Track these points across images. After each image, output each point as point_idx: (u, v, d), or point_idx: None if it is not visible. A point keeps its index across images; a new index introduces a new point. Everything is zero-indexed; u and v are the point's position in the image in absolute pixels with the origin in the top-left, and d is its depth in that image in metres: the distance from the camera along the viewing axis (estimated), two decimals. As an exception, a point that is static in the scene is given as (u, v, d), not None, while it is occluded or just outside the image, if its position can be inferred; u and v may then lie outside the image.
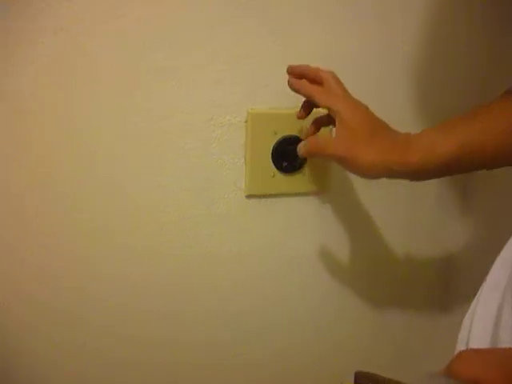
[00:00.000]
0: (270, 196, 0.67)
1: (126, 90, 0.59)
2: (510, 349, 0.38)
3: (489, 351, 0.39)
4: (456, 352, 0.37)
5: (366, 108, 0.53)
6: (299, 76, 0.55)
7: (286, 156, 0.65)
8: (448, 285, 0.81)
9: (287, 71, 0.57)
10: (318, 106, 0.56)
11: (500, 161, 0.49)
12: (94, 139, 0.59)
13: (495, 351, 0.39)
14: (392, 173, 0.50)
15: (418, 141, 0.50)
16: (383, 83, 0.68)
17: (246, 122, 0.64)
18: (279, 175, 0.66)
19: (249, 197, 0.66)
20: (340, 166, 0.52)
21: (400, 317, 0.80)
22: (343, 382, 0.43)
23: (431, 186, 0.73)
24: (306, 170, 0.68)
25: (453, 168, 0.49)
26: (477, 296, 0.45)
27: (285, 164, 0.66)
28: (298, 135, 0.65)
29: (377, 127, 0.52)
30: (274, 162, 0.65)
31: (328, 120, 0.57)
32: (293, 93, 0.57)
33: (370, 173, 0.50)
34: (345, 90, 0.54)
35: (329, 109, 0.53)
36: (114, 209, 0.62)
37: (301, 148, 0.57)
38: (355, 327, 0.78)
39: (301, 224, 0.70)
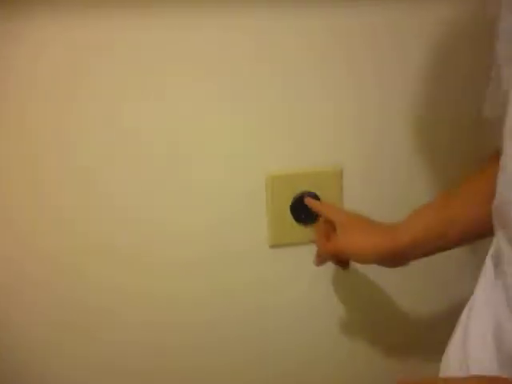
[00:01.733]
0: (291, 245, 0.77)
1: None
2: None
3: None
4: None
5: (358, 215, 0.69)
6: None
7: (304, 209, 0.76)
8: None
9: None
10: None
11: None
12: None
13: None
14: (382, 258, 0.63)
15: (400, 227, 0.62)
16: (382, 139, 0.78)
17: (266, 182, 0.75)
18: (298, 226, 0.77)
19: (272, 247, 0.76)
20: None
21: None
22: None
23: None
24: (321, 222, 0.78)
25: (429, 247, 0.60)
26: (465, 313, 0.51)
27: (303, 216, 0.76)
28: (313, 191, 0.76)
29: (368, 225, 0.66)
30: (293, 214, 0.76)
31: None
32: (307, 154, 0.69)
33: (364, 260, 0.65)
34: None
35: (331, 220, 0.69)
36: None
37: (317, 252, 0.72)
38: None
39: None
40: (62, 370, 0.75)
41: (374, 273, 0.80)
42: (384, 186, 0.80)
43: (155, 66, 0.68)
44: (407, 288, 0.83)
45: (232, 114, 0.72)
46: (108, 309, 0.74)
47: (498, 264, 0.46)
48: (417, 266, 0.64)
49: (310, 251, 0.74)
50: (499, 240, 0.46)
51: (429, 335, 0.84)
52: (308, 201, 0.75)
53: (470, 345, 0.47)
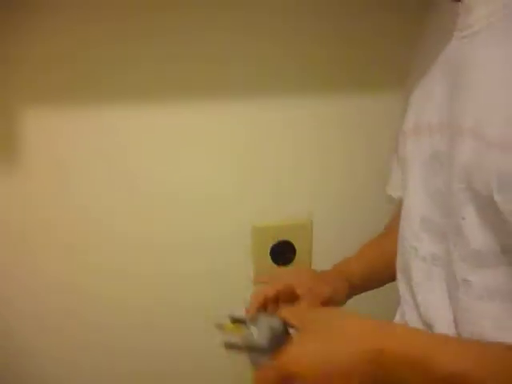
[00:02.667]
0: (270, 282, 0.96)
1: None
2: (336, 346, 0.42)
3: (314, 351, 0.43)
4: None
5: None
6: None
7: (281, 253, 0.96)
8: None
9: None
10: None
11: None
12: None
13: (321, 351, 0.42)
14: None
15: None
16: (347, 199, 0.99)
17: (251, 231, 0.95)
18: (276, 267, 0.96)
19: (256, 283, 0.95)
20: None
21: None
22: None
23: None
24: (295, 263, 0.97)
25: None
26: None
27: (280, 259, 0.96)
28: (288, 239, 0.96)
29: None
30: (272, 257, 0.96)
31: None
32: (283, 209, 0.90)
33: None
34: None
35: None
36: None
37: None
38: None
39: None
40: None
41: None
42: (349, 235, 0.99)
43: (168, 140, 0.89)
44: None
45: (225, 179, 0.93)
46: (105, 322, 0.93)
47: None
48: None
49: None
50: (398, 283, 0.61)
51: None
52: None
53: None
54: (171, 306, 0.95)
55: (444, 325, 0.51)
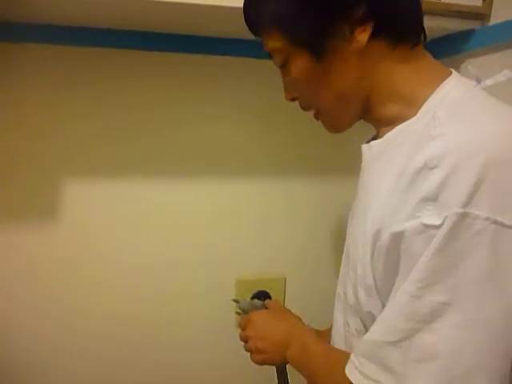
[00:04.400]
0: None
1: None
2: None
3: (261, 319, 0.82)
4: None
5: None
6: None
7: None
8: None
9: None
10: None
11: None
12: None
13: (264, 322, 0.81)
14: None
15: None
16: (316, 259, 1.22)
17: (235, 283, 1.17)
18: (255, 314, 1.17)
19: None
20: None
21: None
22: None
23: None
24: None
25: None
26: None
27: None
28: (266, 290, 1.18)
29: None
30: (252, 305, 1.17)
31: None
32: (262, 267, 1.13)
33: None
34: None
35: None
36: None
37: None
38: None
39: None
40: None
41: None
42: (316, 286, 1.21)
43: (171, 213, 1.14)
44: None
45: (216, 244, 1.16)
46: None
47: None
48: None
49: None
50: None
51: None
52: None
53: None
54: (167, 342, 1.14)
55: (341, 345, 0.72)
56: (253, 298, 1.17)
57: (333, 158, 1.21)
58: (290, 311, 0.85)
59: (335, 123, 0.69)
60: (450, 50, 0.93)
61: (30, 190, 1.03)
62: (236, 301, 0.94)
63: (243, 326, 0.84)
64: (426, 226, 0.50)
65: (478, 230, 0.48)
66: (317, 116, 0.69)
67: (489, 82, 0.60)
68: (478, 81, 0.61)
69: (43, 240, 1.05)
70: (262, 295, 1.17)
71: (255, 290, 1.18)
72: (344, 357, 0.61)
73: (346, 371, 0.58)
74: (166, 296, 1.14)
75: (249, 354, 0.82)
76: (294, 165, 1.21)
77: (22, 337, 1.05)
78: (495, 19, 0.87)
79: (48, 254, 1.06)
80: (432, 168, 0.50)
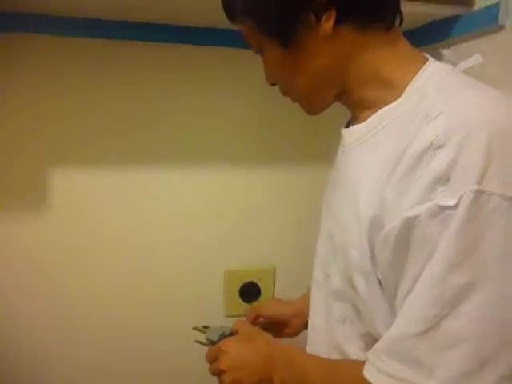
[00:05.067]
0: (239, 316, 1.16)
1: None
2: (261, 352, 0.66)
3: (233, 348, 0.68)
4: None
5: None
6: None
7: (248, 293, 1.17)
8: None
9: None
10: None
11: None
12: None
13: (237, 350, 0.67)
14: None
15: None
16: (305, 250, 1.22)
17: (224, 274, 1.17)
18: (244, 304, 1.17)
19: (226, 316, 1.16)
20: None
21: None
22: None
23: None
24: (261, 300, 1.18)
25: None
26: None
27: (247, 297, 1.17)
28: (255, 281, 1.17)
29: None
30: (240, 296, 1.17)
31: None
32: (251, 256, 1.13)
33: None
34: None
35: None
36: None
37: None
38: None
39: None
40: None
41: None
42: (306, 277, 1.19)
43: (162, 200, 1.14)
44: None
45: (204, 234, 1.16)
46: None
47: None
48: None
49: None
50: None
51: None
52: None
53: None
54: (158, 330, 1.14)
55: (321, 336, 0.71)
56: (241, 290, 1.17)
57: (324, 146, 1.20)
58: (260, 330, 0.80)
59: (309, 107, 0.70)
60: (434, 37, 0.92)
61: (25, 180, 1.04)
62: (199, 329, 0.83)
63: (212, 359, 0.72)
64: (441, 208, 0.49)
65: (494, 207, 0.48)
66: (294, 99, 0.70)
67: (462, 65, 0.60)
68: (454, 64, 0.61)
69: (37, 229, 1.06)
70: (251, 288, 1.17)
71: (244, 281, 1.18)
72: (347, 362, 0.61)
73: (366, 374, 0.55)
74: (154, 284, 1.14)
75: None
76: (284, 154, 1.20)
77: (20, 325, 1.06)
78: (479, 5, 0.85)
79: (42, 242, 1.06)
80: (438, 147, 0.49)
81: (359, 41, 0.60)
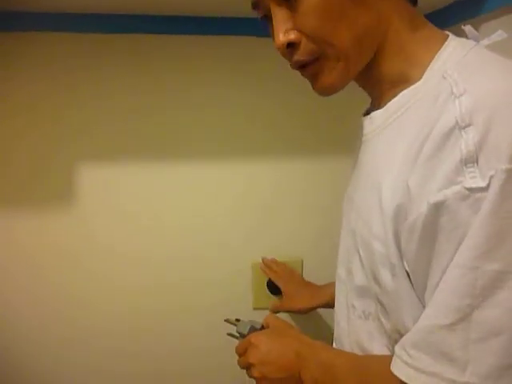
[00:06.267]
0: (266, 308, 1.15)
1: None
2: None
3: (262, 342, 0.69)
4: None
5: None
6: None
7: (276, 285, 1.15)
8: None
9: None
10: None
11: None
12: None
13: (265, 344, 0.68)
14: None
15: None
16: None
17: (252, 266, 1.16)
18: (272, 296, 1.16)
19: (254, 309, 1.15)
20: None
21: None
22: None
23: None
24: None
25: None
26: None
27: (275, 290, 1.16)
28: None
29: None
30: (268, 289, 1.16)
31: None
32: (278, 249, 1.13)
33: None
34: None
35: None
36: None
37: None
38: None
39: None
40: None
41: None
42: (333, 270, 1.19)
43: (189, 193, 1.14)
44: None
45: (232, 227, 1.16)
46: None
47: None
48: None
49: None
50: None
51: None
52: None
53: None
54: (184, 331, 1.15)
55: (344, 333, 0.69)
56: (269, 282, 1.16)
57: (347, 136, 1.17)
58: (291, 325, 0.78)
59: (337, 73, 0.60)
60: (462, 14, 0.88)
61: (36, 176, 1.06)
62: (231, 322, 0.83)
63: (242, 351, 0.73)
64: (471, 190, 0.46)
65: None
66: (315, 66, 0.60)
67: (485, 41, 0.57)
68: (476, 40, 0.58)
69: (48, 226, 1.07)
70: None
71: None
72: (376, 358, 0.59)
73: (394, 369, 0.52)
74: (182, 285, 1.14)
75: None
76: (307, 145, 1.18)
77: (22, 326, 1.08)
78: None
79: (52, 241, 1.08)
80: (465, 127, 0.46)
81: (400, 7, 0.58)
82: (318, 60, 0.59)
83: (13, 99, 1.04)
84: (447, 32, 0.59)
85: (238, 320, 0.83)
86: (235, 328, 0.80)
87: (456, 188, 0.47)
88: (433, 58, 0.56)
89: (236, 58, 1.12)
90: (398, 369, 0.52)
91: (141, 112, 1.10)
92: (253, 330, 0.77)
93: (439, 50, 0.56)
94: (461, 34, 0.60)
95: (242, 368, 0.73)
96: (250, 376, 0.70)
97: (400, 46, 0.58)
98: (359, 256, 0.63)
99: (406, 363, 0.50)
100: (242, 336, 0.78)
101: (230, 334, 0.81)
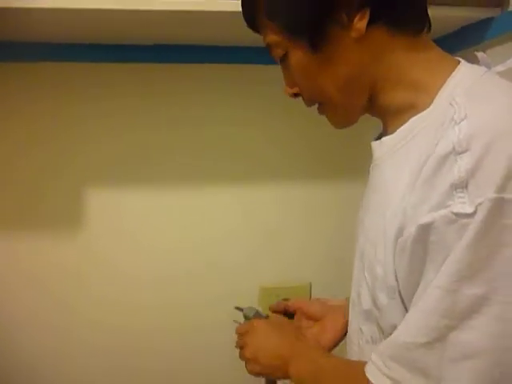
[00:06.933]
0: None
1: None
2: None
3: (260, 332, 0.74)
4: None
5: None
6: None
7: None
8: None
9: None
10: None
11: None
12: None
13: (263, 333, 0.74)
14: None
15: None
16: (342, 266, 1.18)
17: (259, 291, 1.15)
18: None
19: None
20: None
21: None
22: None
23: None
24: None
25: None
26: None
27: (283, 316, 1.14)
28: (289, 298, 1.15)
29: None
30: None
31: None
32: (285, 273, 1.10)
33: None
34: None
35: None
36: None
37: None
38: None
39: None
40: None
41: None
42: (343, 296, 1.17)
43: (192, 219, 1.14)
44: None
45: (240, 252, 1.15)
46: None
47: None
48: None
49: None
50: None
51: None
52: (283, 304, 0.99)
53: None
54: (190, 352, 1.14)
55: (355, 352, 0.68)
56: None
57: (354, 162, 1.18)
58: (293, 322, 0.81)
59: (340, 116, 0.66)
60: (468, 41, 0.88)
61: (41, 198, 1.07)
62: (239, 308, 0.89)
63: (243, 332, 0.78)
64: (458, 215, 0.47)
65: None
66: (321, 110, 0.67)
67: (500, 67, 0.57)
68: (488, 67, 0.58)
69: (54, 248, 1.08)
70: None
71: (278, 299, 1.15)
72: (356, 362, 0.59)
73: (369, 375, 0.54)
74: (188, 306, 1.14)
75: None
76: (314, 170, 1.19)
77: (25, 344, 1.08)
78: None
79: (57, 262, 1.08)
80: (461, 152, 0.47)
81: (389, 43, 0.58)
82: (321, 105, 0.66)
83: (18, 121, 1.05)
84: (458, 58, 0.59)
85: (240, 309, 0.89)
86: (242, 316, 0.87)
87: (444, 212, 0.48)
88: (442, 83, 0.56)
89: (244, 82, 1.13)
90: (374, 376, 0.53)
91: (147, 137, 1.11)
92: (258, 315, 0.85)
93: (449, 75, 0.56)
94: (468, 59, 0.60)
95: (237, 347, 0.78)
96: (242, 357, 0.76)
97: (398, 77, 0.59)
98: (365, 279, 0.63)
99: (384, 373, 0.52)
100: (247, 319, 0.85)
101: (235, 321, 0.86)
